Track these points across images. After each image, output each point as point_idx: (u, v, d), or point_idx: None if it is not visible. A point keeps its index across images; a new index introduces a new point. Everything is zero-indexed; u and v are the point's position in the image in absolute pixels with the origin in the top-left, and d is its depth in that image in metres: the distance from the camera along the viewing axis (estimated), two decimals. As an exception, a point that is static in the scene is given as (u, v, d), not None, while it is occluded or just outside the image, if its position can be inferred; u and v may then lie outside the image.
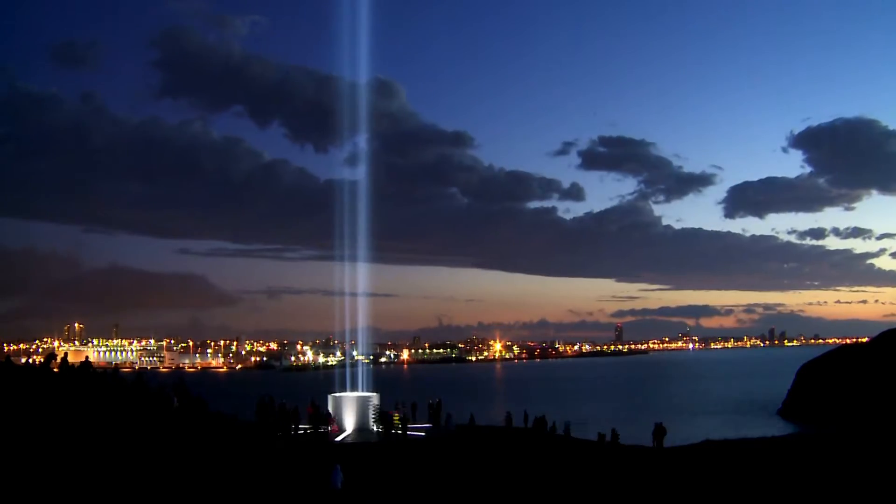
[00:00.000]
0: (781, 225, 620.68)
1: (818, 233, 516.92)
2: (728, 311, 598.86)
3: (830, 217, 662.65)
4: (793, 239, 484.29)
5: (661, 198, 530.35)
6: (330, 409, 36.79)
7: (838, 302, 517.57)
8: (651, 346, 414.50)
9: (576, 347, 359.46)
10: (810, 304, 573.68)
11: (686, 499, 21.24)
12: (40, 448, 19.63)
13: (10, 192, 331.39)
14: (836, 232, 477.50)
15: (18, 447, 19.27)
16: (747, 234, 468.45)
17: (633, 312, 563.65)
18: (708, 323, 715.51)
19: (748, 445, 31.78)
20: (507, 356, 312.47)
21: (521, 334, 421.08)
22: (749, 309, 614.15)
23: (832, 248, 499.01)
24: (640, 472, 25.48)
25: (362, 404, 36.67)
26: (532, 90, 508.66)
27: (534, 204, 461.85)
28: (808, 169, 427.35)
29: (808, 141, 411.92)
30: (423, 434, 34.52)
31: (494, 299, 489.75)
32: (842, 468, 23.76)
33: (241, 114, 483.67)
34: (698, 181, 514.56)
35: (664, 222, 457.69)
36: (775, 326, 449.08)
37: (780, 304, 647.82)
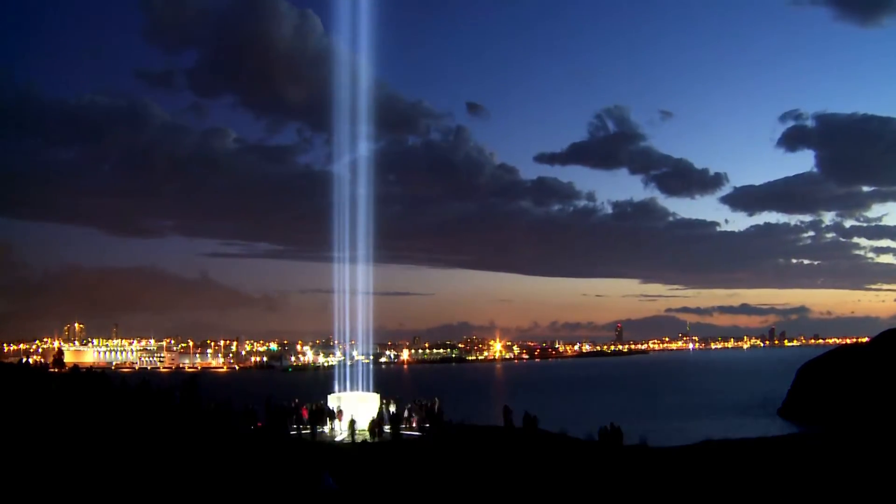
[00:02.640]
0: (810, 223, 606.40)
1: (853, 231, 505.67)
2: (755, 311, 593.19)
3: (866, 215, 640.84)
4: (823, 238, 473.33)
5: (679, 196, 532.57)
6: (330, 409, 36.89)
7: (871, 301, 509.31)
8: (651, 346, 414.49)
9: (576, 347, 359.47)
10: (845, 303, 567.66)
11: (686, 499, 21.29)
12: (37, 447, 19.71)
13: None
14: (870, 231, 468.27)
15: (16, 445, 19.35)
16: (773, 233, 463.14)
17: (658, 312, 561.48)
18: (743, 322, 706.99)
19: (748, 445, 31.83)
20: (507, 356, 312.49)
21: (555, 334, 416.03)
22: (778, 309, 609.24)
23: (868, 247, 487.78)
24: (641, 472, 25.52)
25: (364, 404, 36.75)
26: (540, 90, 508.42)
27: (549, 206, 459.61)
28: (835, 166, 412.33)
29: (831, 137, 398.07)
30: (421, 434, 34.60)
31: (519, 300, 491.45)
32: (841, 468, 23.81)
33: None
34: (717, 179, 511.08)
35: (686, 221, 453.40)
36: (775, 327, 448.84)
37: (815, 304, 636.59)
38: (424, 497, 21.31)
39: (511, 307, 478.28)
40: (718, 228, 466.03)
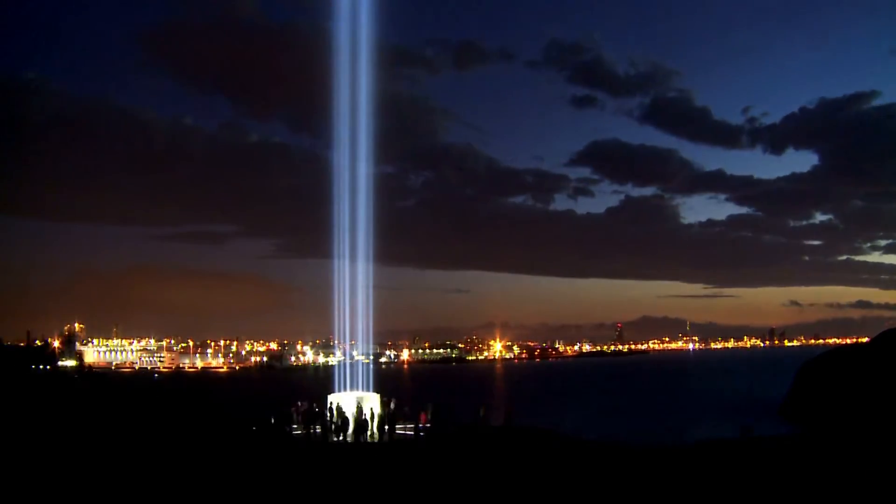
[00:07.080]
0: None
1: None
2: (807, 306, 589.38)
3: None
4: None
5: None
6: (330, 409, 36.77)
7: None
8: (651, 346, 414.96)
9: (576, 347, 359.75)
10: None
11: (684, 499, 21.22)
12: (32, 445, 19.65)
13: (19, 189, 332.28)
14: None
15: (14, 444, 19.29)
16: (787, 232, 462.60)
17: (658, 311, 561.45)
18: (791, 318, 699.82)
19: (748, 445, 31.74)
20: (507, 356, 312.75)
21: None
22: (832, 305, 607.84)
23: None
24: (637, 472, 25.45)
25: (360, 404, 36.61)
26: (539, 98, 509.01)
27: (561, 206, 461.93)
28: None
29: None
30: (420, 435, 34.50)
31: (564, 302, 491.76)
32: (841, 468, 23.75)
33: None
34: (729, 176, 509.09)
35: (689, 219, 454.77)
36: (774, 327, 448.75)
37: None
38: (421, 495, 21.27)
39: (511, 307, 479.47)
40: (726, 227, 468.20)
